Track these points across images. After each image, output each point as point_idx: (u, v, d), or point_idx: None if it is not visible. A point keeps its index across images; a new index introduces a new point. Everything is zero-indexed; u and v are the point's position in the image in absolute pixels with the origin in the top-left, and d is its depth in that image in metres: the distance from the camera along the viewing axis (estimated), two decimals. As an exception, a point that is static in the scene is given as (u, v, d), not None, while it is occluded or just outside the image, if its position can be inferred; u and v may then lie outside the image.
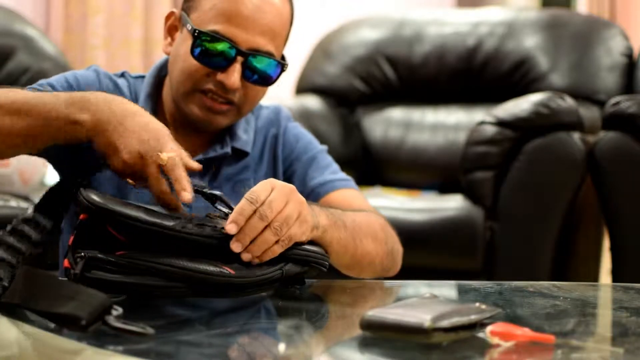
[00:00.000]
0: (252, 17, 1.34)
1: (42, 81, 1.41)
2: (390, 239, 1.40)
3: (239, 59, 1.34)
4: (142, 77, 1.50)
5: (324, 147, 1.55)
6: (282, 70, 1.40)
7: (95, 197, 0.99)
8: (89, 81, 1.42)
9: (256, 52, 1.35)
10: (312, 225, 1.13)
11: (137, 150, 1.10)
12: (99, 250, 0.98)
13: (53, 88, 1.38)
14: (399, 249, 1.43)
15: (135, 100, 1.44)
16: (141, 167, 1.10)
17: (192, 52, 1.35)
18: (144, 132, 1.12)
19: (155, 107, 1.45)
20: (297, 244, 1.08)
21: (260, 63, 1.36)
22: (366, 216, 1.36)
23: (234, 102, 1.38)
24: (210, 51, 1.34)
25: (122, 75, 1.49)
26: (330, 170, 1.49)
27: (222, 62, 1.35)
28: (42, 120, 1.17)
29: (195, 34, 1.34)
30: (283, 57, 1.43)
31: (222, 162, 1.46)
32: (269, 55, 1.36)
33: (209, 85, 1.36)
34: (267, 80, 1.39)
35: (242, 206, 1.06)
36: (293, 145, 1.51)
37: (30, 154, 1.26)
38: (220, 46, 1.34)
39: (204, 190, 1.12)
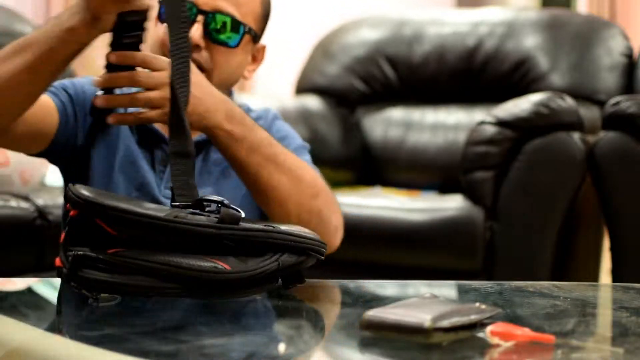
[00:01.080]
0: None
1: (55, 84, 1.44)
2: (322, 201, 1.43)
3: (200, 17, 1.41)
4: None
5: (307, 145, 1.58)
6: (246, 33, 1.45)
7: (84, 192, 0.98)
8: (84, 83, 1.47)
9: (217, 11, 1.41)
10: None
11: None
12: (91, 248, 0.98)
13: (61, 90, 1.42)
14: (334, 223, 1.44)
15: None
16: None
17: (158, 16, 1.42)
18: None
19: None
20: (293, 234, 1.07)
21: (220, 22, 1.42)
22: (306, 169, 1.42)
23: (202, 67, 1.42)
24: None
25: None
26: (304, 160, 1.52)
27: None
28: (39, 45, 1.20)
29: (160, 1, 1.40)
30: (260, 33, 1.49)
31: (210, 147, 1.48)
32: (229, 15, 1.42)
33: None
34: (229, 39, 1.44)
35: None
36: (275, 137, 1.54)
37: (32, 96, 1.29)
38: None
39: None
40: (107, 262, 0.96)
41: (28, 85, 1.23)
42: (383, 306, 0.88)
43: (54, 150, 1.42)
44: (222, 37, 1.43)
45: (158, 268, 0.96)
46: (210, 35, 1.42)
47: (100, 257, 0.96)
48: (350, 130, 3.12)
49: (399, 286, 1.32)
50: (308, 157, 1.56)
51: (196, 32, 1.40)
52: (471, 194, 2.36)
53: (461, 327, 0.84)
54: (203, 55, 1.42)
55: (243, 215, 1.02)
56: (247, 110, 1.60)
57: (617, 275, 2.29)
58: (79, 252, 0.97)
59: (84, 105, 1.43)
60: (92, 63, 3.60)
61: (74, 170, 1.46)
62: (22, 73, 1.20)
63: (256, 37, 1.49)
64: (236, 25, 1.43)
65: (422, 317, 0.82)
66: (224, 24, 1.42)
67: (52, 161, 1.48)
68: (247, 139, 1.32)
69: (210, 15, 1.41)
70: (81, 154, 1.45)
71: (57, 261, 1.02)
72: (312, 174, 1.44)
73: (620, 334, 0.98)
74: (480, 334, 0.86)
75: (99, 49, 3.61)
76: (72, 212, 1.00)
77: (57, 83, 1.44)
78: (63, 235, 1.02)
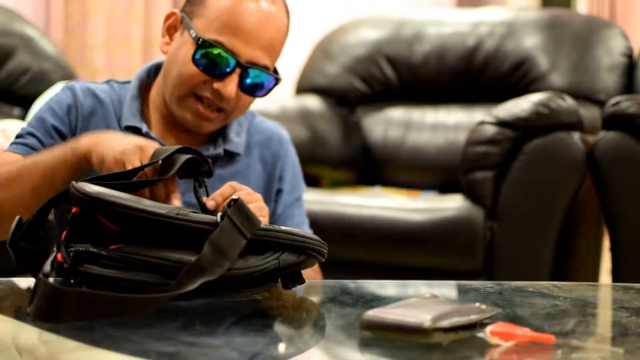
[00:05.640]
0: (254, 31, 1.41)
1: (22, 130, 1.44)
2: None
3: (237, 70, 1.41)
4: (129, 82, 1.53)
5: (304, 190, 1.66)
6: (276, 84, 1.47)
7: (87, 188, 0.99)
8: (64, 107, 1.45)
9: (254, 65, 1.41)
10: None
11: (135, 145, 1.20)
12: (92, 244, 0.98)
13: (34, 136, 1.42)
14: None
15: (118, 104, 1.48)
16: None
17: (193, 58, 1.40)
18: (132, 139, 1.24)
19: (141, 108, 1.48)
20: (294, 233, 1.07)
21: (256, 75, 1.43)
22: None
23: (224, 110, 1.44)
24: (211, 60, 1.40)
25: (107, 82, 1.52)
26: (300, 222, 1.61)
27: (221, 72, 1.41)
28: (50, 159, 1.27)
29: (199, 42, 1.40)
30: (275, 69, 1.49)
31: (215, 163, 1.49)
32: (265, 68, 1.43)
33: (205, 92, 1.43)
34: (260, 91, 1.45)
35: (222, 189, 1.22)
36: (289, 175, 1.61)
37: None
38: (222, 56, 1.40)
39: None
40: (109, 258, 0.97)
41: (32, 205, 1.23)
42: (383, 306, 0.88)
43: None
44: (254, 90, 1.45)
45: (159, 264, 0.96)
46: (242, 88, 1.43)
47: (102, 252, 0.97)
48: (350, 130, 3.12)
49: (399, 286, 1.32)
50: (303, 209, 1.63)
51: (231, 88, 1.41)
52: (471, 194, 2.36)
53: (461, 327, 0.84)
54: (230, 104, 1.43)
55: None
56: (252, 117, 1.60)
57: (617, 275, 2.28)
58: (81, 248, 0.97)
59: (69, 122, 1.45)
60: (91, 63, 3.60)
61: None
62: (21, 200, 1.27)
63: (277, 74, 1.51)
64: (269, 78, 1.44)
65: (422, 317, 0.82)
66: (258, 78, 1.43)
67: None
68: None
69: (247, 71, 1.41)
70: None
71: (59, 257, 1.02)
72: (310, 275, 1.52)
73: (620, 334, 0.98)
74: (480, 334, 0.86)
75: (99, 48, 3.61)
76: (74, 209, 1.01)
77: (36, 123, 1.44)
78: (64, 232, 1.02)
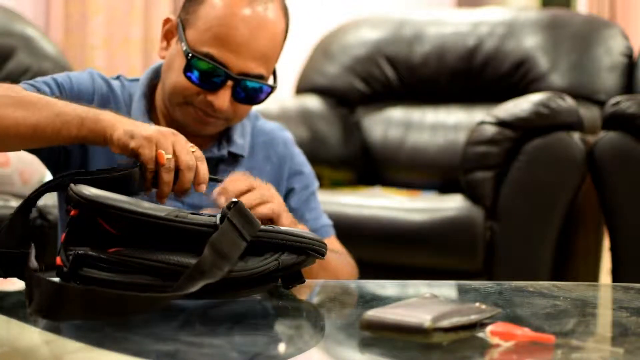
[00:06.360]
0: (246, 43, 1.38)
1: (38, 79, 1.43)
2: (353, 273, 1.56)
3: (230, 82, 1.39)
4: (137, 80, 1.53)
5: (317, 185, 1.64)
6: (271, 92, 1.45)
7: (85, 191, 0.99)
8: (81, 82, 1.45)
9: (247, 76, 1.40)
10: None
11: (156, 131, 1.14)
12: (91, 247, 0.98)
13: (48, 86, 1.41)
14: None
15: (128, 100, 1.48)
16: (161, 143, 1.12)
17: (184, 71, 1.40)
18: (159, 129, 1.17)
19: (149, 106, 1.48)
20: (293, 234, 1.07)
21: (249, 86, 1.41)
22: (344, 268, 1.51)
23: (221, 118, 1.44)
24: (202, 73, 1.39)
25: (117, 78, 1.53)
26: (319, 215, 1.60)
27: (213, 85, 1.39)
28: (56, 116, 1.18)
29: (189, 56, 1.39)
30: (274, 73, 1.48)
31: (219, 165, 1.49)
32: (259, 78, 1.41)
33: (199, 102, 1.42)
34: (255, 100, 1.44)
35: (237, 184, 1.24)
36: (297, 172, 1.60)
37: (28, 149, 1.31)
38: (212, 70, 1.38)
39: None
40: (108, 261, 0.97)
41: (28, 141, 1.21)
42: (383, 306, 0.88)
43: (43, 150, 1.42)
44: (249, 99, 1.43)
45: (158, 267, 0.96)
46: (237, 98, 1.41)
47: (101, 256, 0.97)
48: (350, 130, 3.12)
49: (399, 286, 1.32)
50: (319, 202, 1.62)
51: (224, 100, 1.39)
52: (471, 194, 2.36)
53: (461, 327, 0.84)
54: (225, 114, 1.42)
55: None
56: (256, 119, 1.60)
57: (617, 275, 2.29)
58: (80, 251, 0.97)
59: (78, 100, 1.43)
60: (91, 63, 3.60)
61: (68, 169, 1.45)
62: (25, 130, 1.18)
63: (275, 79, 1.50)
64: (263, 87, 1.42)
65: (422, 317, 0.82)
66: (252, 88, 1.41)
67: (44, 160, 1.48)
68: None
69: (239, 83, 1.39)
70: (75, 155, 1.44)
71: (58, 260, 1.02)
72: (348, 270, 1.52)
73: (620, 334, 0.98)
74: (480, 334, 0.86)
75: (99, 48, 3.60)
76: (72, 212, 1.00)
77: (50, 79, 1.44)
78: (63, 235, 1.02)
